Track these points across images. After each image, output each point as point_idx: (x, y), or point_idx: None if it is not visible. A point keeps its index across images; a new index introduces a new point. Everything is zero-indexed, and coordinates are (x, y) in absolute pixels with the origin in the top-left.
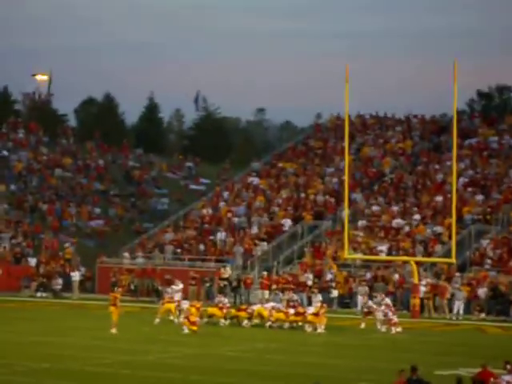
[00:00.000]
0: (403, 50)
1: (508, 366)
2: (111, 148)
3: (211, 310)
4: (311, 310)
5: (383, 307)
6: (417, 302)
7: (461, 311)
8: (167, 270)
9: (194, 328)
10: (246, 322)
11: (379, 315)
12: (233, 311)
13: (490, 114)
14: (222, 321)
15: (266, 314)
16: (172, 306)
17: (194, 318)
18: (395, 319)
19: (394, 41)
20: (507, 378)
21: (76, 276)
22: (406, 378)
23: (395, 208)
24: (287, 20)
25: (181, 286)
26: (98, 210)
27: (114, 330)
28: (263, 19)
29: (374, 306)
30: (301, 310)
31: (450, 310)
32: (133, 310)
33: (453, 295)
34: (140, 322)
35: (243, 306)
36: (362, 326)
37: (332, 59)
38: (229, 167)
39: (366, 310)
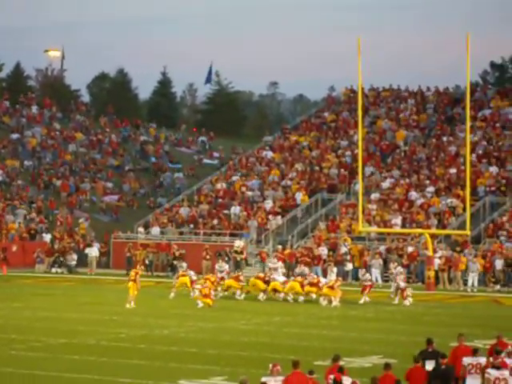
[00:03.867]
0: (415, 21)
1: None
2: (125, 123)
3: (228, 282)
4: (324, 282)
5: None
6: (432, 274)
7: (475, 283)
8: (182, 244)
9: (208, 301)
10: (261, 295)
11: (392, 287)
12: (251, 280)
13: (504, 85)
14: (239, 292)
15: (280, 287)
16: (187, 279)
17: (207, 291)
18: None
19: (406, 12)
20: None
21: (93, 252)
22: (421, 350)
23: (409, 180)
24: None
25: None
26: (112, 185)
27: (128, 305)
28: None
29: (368, 281)
30: (314, 280)
31: (465, 283)
32: (148, 285)
33: (467, 267)
34: (155, 297)
35: (261, 275)
36: (361, 301)
37: (344, 32)
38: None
39: (364, 283)
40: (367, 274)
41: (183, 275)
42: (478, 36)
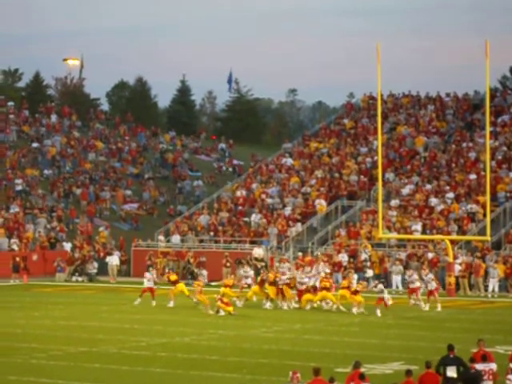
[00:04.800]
0: (433, 25)
1: None
2: (144, 131)
3: (255, 288)
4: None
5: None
6: (452, 280)
7: (496, 289)
8: (202, 252)
9: (230, 309)
10: (284, 305)
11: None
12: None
13: None
14: (269, 303)
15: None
16: (182, 286)
17: (227, 299)
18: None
19: (423, 16)
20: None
21: (113, 260)
22: (442, 356)
23: (429, 187)
24: None
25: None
26: (131, 194)
27: (211, 311)
28: None
29: (418, 283)
30: (327, 284)
31: (486, 288)
32: (168, 293)
33: (487, 273)
34: (176, 305)
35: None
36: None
37: (363, 38)
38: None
39: (410, 286)
40: (414, 275)
41: (175, 281)
42: (497, 40)
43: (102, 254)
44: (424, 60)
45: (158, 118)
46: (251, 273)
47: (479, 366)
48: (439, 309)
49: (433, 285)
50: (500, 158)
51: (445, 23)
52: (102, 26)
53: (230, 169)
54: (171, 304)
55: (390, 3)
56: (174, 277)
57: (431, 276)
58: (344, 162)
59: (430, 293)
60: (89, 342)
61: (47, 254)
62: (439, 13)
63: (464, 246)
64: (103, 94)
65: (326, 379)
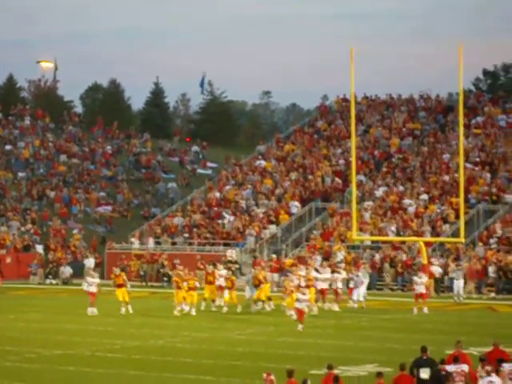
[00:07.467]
0: (407, 30)
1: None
2: (118, 133)
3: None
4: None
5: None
6: (426, 282)
7: (460, 291)
8: (176, 254)
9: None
10: (253, 306)
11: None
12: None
13: (497, 92)
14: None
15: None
16: (124, 291)
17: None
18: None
19: (398, 21)
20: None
21: (90, 263)
22: (415, 358)
23: (402, 188)
24: (290, 3)
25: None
26: (105, 196)
27: (176, 312)
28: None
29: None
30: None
31: (452, 290)
32: (142, 296)
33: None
34: (149, 307)
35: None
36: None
37: (337, 41)
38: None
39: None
40: (424, 277)
41: (120, 285)
42: (471, 43)
43: (76, 257)
44: (398, 63)
45: (131, 121)
46: (224, 272)
47: (450, 368)
48: (426, 311)
49: (422, 288)
50: (473, 159)
51: (419, 27)
52: (76, 28)
53: (209, 171)
54: (123, 310)
55: (366, 8)
56: (120, 280)
57: (424, 280)
58: (318, 164)
59: (419, 295)
60: (63, 344)
61: (21, 256)
62: (413, 16)
63: (438, 247)
64: (77, 96)
65: (299, 381)
